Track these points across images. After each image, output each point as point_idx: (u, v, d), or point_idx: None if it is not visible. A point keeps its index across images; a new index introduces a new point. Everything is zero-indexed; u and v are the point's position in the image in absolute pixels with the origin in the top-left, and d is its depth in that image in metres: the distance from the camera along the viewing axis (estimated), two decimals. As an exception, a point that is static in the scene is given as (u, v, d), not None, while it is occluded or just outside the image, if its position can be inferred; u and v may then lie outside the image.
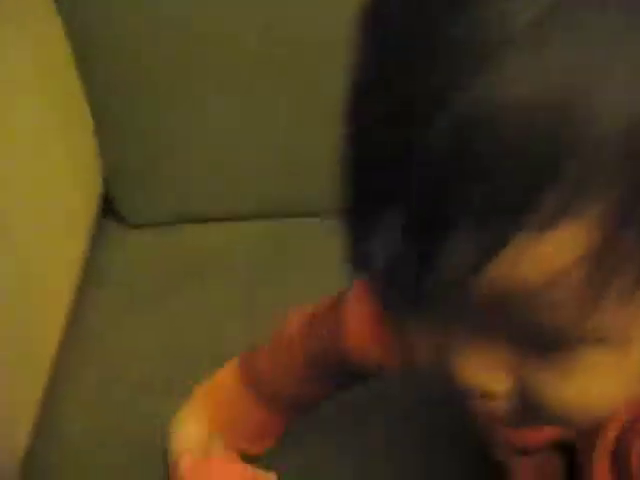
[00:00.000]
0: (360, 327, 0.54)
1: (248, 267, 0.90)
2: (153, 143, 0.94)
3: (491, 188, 0.26)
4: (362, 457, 0.68)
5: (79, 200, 0.92)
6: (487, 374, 0.33)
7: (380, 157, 0.29)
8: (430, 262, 0.28)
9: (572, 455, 0.45)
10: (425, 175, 0.27)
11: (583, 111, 0.25)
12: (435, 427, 0.68)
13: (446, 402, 0.45)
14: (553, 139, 0.25)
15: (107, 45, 0.88)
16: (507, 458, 0.50)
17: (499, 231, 0.26)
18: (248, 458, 0.63)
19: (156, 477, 0.65)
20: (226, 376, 0.66)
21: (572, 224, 0.26)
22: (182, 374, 0.74)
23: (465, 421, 0.47)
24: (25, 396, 0.73)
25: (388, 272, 0.31)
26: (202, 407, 0.65)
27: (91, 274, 0.89)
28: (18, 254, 0.74)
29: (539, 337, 0.31)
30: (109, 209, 0.97)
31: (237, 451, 0.63)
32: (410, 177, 0.27)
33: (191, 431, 0.64)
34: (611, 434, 0.41)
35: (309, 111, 0.91)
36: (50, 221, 0.83)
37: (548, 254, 0.27)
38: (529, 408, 0.35)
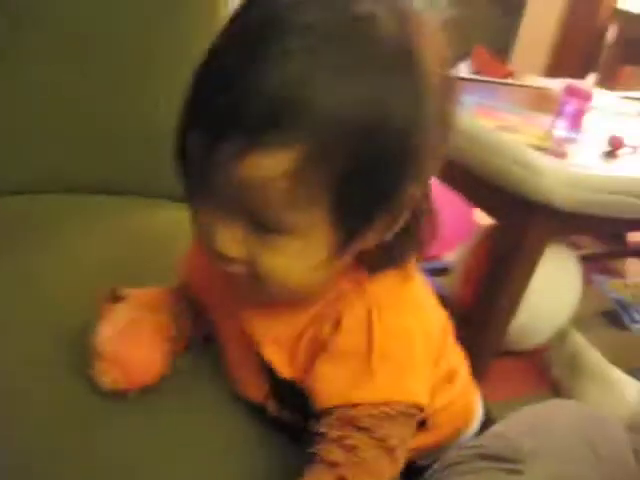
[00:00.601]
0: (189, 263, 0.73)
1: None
2: None
3: (245, 127, 0.46)
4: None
5: None
6: (229, 244, 0.52)
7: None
8: (209, 162, 0.49)
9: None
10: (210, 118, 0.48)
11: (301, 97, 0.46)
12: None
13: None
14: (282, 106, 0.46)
15: None
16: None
17: (244, 147, 0.46)
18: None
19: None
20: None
21: (284, 152, 0.46)
22: None
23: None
24: None
25: (190, 171, 0.53)
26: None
27: None
28: None
29: (259, 220, 0.50)
30: None
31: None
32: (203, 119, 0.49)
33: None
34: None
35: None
36: None
37: (269, 165, 0.47)
38: (255, 276, 0.53)
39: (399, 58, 0.50)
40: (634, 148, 1.50)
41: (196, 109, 0.51)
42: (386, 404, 0.56)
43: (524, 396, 1.50)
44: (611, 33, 3.21)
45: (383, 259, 0.58)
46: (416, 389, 0.58)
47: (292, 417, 0.66)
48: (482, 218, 1.68)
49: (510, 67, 2.21)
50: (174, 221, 1.00)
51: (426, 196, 0.58)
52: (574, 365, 1.52)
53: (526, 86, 1.96)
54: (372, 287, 0.58)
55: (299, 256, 0.52)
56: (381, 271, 0.59)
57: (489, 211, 1.49)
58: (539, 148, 1.32)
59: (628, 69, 3.22)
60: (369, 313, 0.56)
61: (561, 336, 1.57)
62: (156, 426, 0.66)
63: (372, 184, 0.51)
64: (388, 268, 0.59)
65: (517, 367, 1.59)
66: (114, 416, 0.65)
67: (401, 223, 0.56)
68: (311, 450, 0.57)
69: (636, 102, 2.05)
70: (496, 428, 0.75)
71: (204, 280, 0.70)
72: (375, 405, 0.56)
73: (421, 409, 0.59)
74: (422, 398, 0.58)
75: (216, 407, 0.70)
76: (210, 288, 0.69)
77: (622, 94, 2.19)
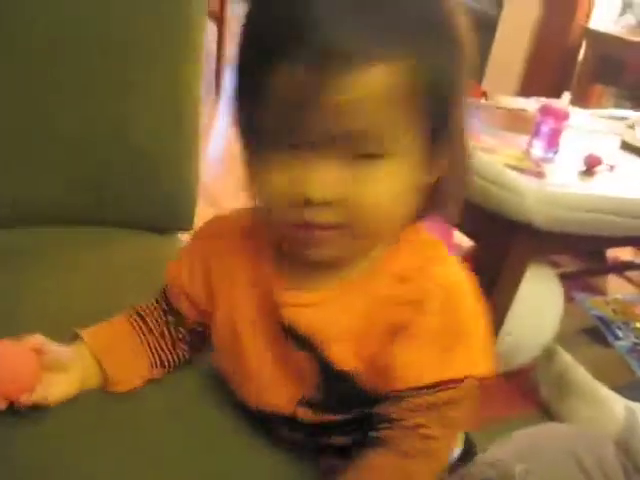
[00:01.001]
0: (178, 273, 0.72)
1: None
2: None
3: (348, 47, 0.49)
4: None
5: None
6: (323, 183, 0.53)
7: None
8: (311, 90, 0.50)
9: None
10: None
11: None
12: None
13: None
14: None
15: None
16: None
17: (342, 65, 0.49)
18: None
19: None
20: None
21: (388, 66, 0.50)
22: None
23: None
24: None
25: (274, 111, 0.53)
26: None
27: None
28: None
29: (357, 147, 0.53)
30: None
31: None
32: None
33: None
34: None
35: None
36: None
37: (374, 80, 0.50)
38: (344, 217, 0.55)
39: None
40: (610, 166, 1.51)
41: (282, 43, 0.51)
42: (467, 379, 0.59)
43: (510, 418, 1.49)
44: (582, 52, 3.26)
45: (430, 204, 0.62)
46: (487, 366, 0.61)
47: (331, 418, 0.65)
48: (462, 240, 1.68)
49: (483, 87, 2.22)
50: (157, 252, 0.99)
51: (461, 146, 0.62)
52: (562, 384, 1.52)
53: (500, 107, 1.97)
54: (437, 270, 0.61)
55: (393, 178, 0.55)
56: (427, 216, 0.63)
57: (470, 232, 1.49)
58: (517, 168, 1.33)
59: (599, 87, 3.27)
60: (446, 294, 0.59)
61: (548, 355, 1.57)
62: (154, 461, 0.65)
63: (444, 98, 0.56)
64: (433, 213, 0.63)
65: (502, 389, 1.58)
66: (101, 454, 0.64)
67: (447, 161, 0.60)
68: (376, 434, 0.60)
69: (608, 120, 2.07)
70: (487, 455, 0.74)
71: (214, 290, 0.69)
72: (457, 382, 0.59)
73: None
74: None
75: (219, 433, 0.70)
76: (227, 297, 0.68)
77: (594, 112, 2.22)
